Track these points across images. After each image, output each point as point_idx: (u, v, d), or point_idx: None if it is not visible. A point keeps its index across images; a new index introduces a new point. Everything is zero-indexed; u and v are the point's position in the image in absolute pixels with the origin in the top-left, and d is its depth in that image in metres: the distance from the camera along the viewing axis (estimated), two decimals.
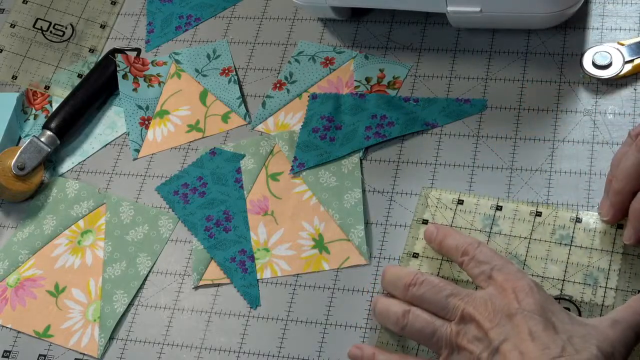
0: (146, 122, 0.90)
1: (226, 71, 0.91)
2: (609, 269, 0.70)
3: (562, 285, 0.71)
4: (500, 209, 0.75)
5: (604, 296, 0.69)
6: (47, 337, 0.79)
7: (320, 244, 0.78)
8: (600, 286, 0.70)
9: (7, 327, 0.81)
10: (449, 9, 0.82)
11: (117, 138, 0.90)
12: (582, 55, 0.81)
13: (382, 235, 0.78)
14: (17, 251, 0.84)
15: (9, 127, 0.91)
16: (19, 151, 0.86)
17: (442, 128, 0.82)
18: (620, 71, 0.80)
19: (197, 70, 0.92)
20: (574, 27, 0.84)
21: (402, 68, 0.86)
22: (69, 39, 0.97)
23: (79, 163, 0.89)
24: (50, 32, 0.97)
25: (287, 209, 0.81)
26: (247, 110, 0.88)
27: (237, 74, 0.90)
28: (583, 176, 0.77)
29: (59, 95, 0.93)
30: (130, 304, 0.79)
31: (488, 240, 0.74)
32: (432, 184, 0.79)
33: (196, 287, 0.79)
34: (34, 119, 0.93)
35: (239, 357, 0.75)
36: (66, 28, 0.97)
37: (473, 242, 0.69)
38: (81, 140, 0.91)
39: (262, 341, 0.75)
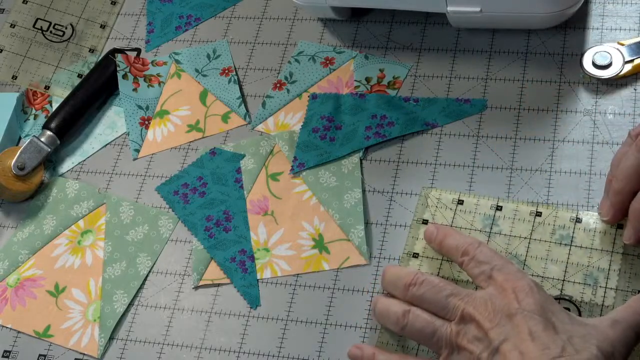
0: (146, 122, 0.90)
1: (226, 71, 0.91)
2: (609, 269, 0.70)
3: (562, 285, 0.71)
4: (500, 209, 0.75)
5: (604, 296, 0.69)
6: (47, 337, 0.79)
7: (320, 244, 0.78)
8: (600, 286, 0.70)
9: (7, 327, 0.81)
10: (449, 9, 0.82)
11: (117, 138, 0.90)
12: (582, 55, 0.81)
13: (382, 235, 0.78)
14: (17, 251, 0.84)
15: (9, 127, 0.91)
16: (19, 151, 0.86)
17: (442, 128, 0.82)
18: (620, 71, 0.80)
19: (197, 70, 0.92)
20: (574, 27, 0.84)
21: (402, 68, 0.86)
22: (69, 39, 0.97)
23: (79, 163, 0.89)
24: (50, 32, 0.97)
25: (287, 209, 0.81)
26: (247, 110, 0.88)
27: (237, 74, 0.90)
28: (583, 176, 0.77)
29: (59, 95, 0.93)
30: (130, 304, 0.79)
31: (488, 240, 0.74)
32: (432, 184, 0.79)
33: (196, 287, 0.79)
34: (34, 119, 0.93)
35: (239, 357, 0.75)
36: (66, 28, 0.97)
37: (473, 242, 0.69)
38: (81, 140, 0.91)
39: (262, 341, 0.75)
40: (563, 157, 0.78)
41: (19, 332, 0.80)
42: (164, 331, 0.77)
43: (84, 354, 0.78)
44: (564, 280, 0.71)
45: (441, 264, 0.74)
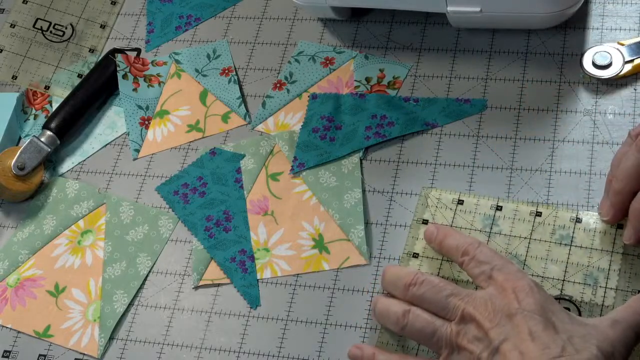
0: (146, 122, 0.90)
1: (226, 71, 0.91)
2: (609, 269, 0.70)
3: (562, 285, 0.71)
4: (500, 209, 0.75)
5: (604, 296, 0.69)
6: (47, 337, 0.79)
7: (320, 244, 0.78)
8: (600, 286, 0.70)
9: (7, 327, 0.81)
10: (449, 9, 0.82)
11: (117, 138, 0.90)
12: (582, 55, 0.81)
13: (382, 235, 0.78)
14: (17, 251, 0.84)
15: (9, 127, 0.91)
16: (19, 151, 0.86)
17: (442, 128, 0.82)
18: (620, 71, 0.80)
19: (197, 70, 0.92)
20: (574, 27, 0.84)
21: (402, 68, 0.86)
22: (69, 39, 0.97)
23: (79, 163, 0.89)
24: (50, 32, 0.97)
25: (287, 209, 0.81)
26: (247, 110, 0.88)
27: (237, 74, 0.90)
28: (583, 176, 0.77)
29: (59, 95, 0.93)
30: (130, 304, 0.79)
31: (488, 240, 0.74)
32: (432, 184, 0.79)
33: (196, 287, 0.79)
34: (34, 119, 0.93)
35: (239, 357, 0.75)
36: (66, 28, 0.97)
37: (473, 242, 0.69)
38: (81, 140, 0.91)
39: (262, 341, 0.75)
40: (563, 157, 0.78)
41: (19, 332, 0.80)
42: (164, 331, 0.77)
43: (84, 354, 0.78)
44: (564, 280, 0.71)
45: (441, 264, 0.74)
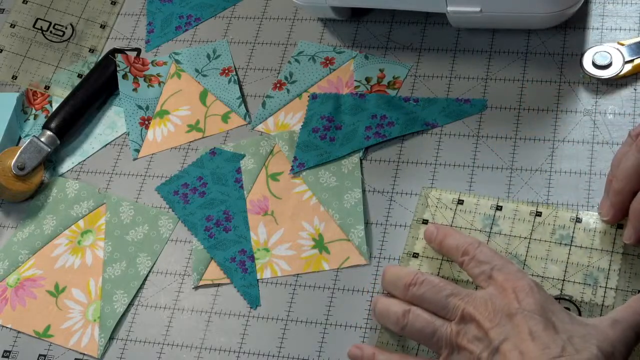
0: (146, 122, 0.90)
1: (226, 71, 0.91)
2: (609, 269, 0.70)
3: (562, 285, 0.71)
4: (500, 209, 0.75)
5: (604, 296, 0.69)
6: (47, 337, 0.79)
7: (320, 244, 0.78)
8: (600, 286, 0.70)
9: (7, 327, 0.81)
10: (449, 9, 0.82)
11: (117, 138, 0.90)
12: (582, 55, 0.81)
13: (382, 235, 0.78)
14: (17, 251, 0.84)
15: (9, 127, 0.91)
16: (19, 151, 0.86)
17: (442, 128, 0.82)
18: (620, 71, 0.80)
19: (197, 70, 0.92)
20: (574, 27, 0.84)
21: (402, 68, 0.86)
22: (69, 39, 0.97)
23: (79, 163, 0.89)
24: (50, 32, 0.97)
25: (287, 209, 0.81)
26: (247, 110, 0.88)
27: (237, 74, 0.90)
28: (583, 176, 0.77)
29: (59, 95, 0.93)
30: (130, 304, 0.79)
31: (488, 240, 0.74)
32: (432, 184, 0.79)
33: (196, 287, 0.79)
34: (34, 119, 0.93)
35: (239, 357, 0.75)
36: (66, 28, 0.97)
37: (473, 242, 0.69)
38: (81, 140, 0.91)
39: (262, 341, 0.75)
40: (563, 157, 0.78)
41: (19, 332, 0.80)
42: (164, 331, 0.77)
43: (84, 354, 0.78)
44: (564, 280, 0.71)
45: (441, 263, 0.74)
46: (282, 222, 0.80)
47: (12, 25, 0.98)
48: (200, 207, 0.83)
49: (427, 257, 0.74)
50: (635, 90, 0.80)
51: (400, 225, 0.78)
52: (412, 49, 0.87)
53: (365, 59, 0.88)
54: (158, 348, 0.77)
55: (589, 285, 0.70)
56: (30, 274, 0.83)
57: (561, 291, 0.70)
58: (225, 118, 0.88)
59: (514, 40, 0.85)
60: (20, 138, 0.92)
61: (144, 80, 0.92)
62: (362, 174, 0.81)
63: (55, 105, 0.92)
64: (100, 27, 0.97)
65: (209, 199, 0.83)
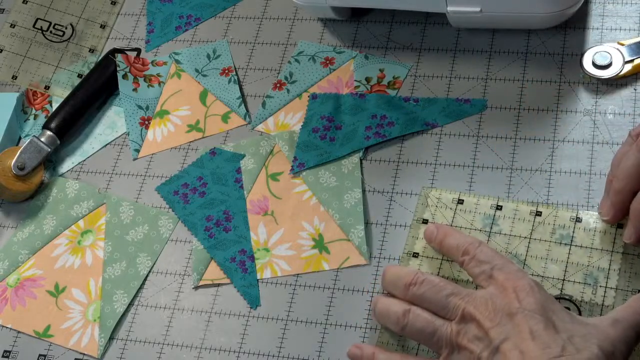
0: (146, 122, 0.90)
1: (226, 71, 0.91)
2: (609, 269, 0.70)
3: (562, 284, 0.71)
4: (500, 209, 0.75)
5: (604, 296, 0.69)
6: (47, 337, 0.79)
7: (320, 244, 0.78)
8: (600, 286, 0.70)
9: (7, 327, 0.81)
10: (449, 9, 0.82)
11: (117, 138, 0.90)
12: (582, 55, 0.81)
13: (382, 235, 0.78)
14: (17, 251, 0.84)
15: (9, 127, 0.91)
16: (19, 151, 0.86)
17: (442, 128, 0.82)
18: (620, 71, 0.80)
19: (197, 70, 0.92)
20: (574, 27, 0.84)
21: (402, 68, 0.86)
22: (69, 39, 0.97)
23: (79, 163, 0.89)
24: (50, 32, 0.97)
25: (287, 209, 0.81)
26: (247, 110, 0.88)
27: (237, 74, 0.90)
28: (583, 176, 0.77)
29: (59, 95, 0.93)
30: (130, 304, 0.79)
31: (488, 240, 0.74)
32: (432, 184, 0.79)
33: (196, 287, 0.79)
34: (34, 119, 0.93)
35: (239, 357, 0.75)
36: (66, 28, 0.97)
37: (474, 242, 0.69)
38: (81, 140, 0.91)
39: (262, 341, 0.75)
40: (563, 157, 0.78)
41: (19, 332, 0.80)
42: (164, 331, 0.77)
43: (84, 354, 0.78)
44: (564, 280, 0.71)
45: (441, 263, 0.74)
46: (282, 222, 0.80)
47: (12, 25, 0.98)
48: (200, 207, 0.83)
49: (427, 257, 0.74)
50: (635, 90, 0.80)
51: (400, 225, 0.78)
52: (412, 49, 0.87)
53: (365, 59, 0.88)
54: (158, 348, 0.77)
55: (589, 284, 0.70)
56: (30, 274, 0.83)
57: (561, 291, 0.70)
58: (225, 118, 0.88)
59: (514, 40, 0.85)
60: (20, 138, 0.92)
61: (144, 80, 0.92)
62: (362, 174, 0.81)
63: (55, 105, 0.92)
64: (100, 27, 0.97)
65: (209, 199, 0.83)
